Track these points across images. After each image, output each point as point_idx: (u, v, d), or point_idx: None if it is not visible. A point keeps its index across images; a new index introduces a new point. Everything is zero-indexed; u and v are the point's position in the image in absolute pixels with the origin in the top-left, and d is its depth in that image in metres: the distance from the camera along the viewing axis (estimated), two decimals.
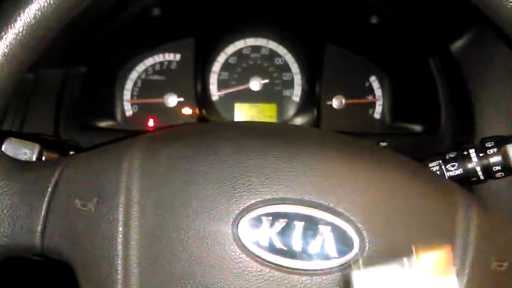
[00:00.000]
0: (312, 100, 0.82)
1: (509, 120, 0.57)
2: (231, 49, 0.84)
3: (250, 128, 0.39)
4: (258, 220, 0.33)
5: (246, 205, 0.33)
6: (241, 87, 0.84)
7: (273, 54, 0.84)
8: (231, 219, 0.33)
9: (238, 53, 0.84)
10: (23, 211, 0.34)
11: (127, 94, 0.83)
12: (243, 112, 0.84)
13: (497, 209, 0.54)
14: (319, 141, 0.37)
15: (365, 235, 0.32)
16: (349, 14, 0.77)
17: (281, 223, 0.33)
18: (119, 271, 0.32)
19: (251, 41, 0.84)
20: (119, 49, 0.79)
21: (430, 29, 0.70)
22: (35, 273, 0.63)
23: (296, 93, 0.84)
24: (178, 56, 0.84)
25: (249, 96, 0.84)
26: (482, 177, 0.48)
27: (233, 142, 0.36)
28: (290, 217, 0.33)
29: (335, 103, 0.83)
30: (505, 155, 0.46)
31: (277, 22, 0.83)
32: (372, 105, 0.84)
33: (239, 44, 0.84)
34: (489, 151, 0.47)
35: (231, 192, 0.33)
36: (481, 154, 0.48)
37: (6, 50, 0.33)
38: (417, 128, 0.76)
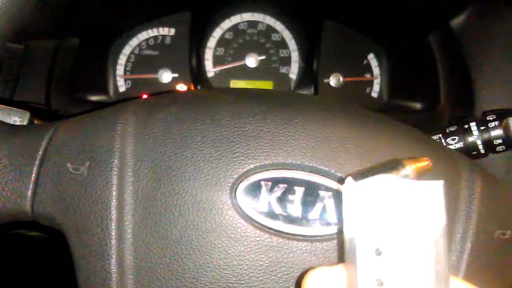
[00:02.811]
0: (309, 77, 0.81)
1: (510, 96, 0.56)
2: (227, 23, 0.82)
3: (248, 94, 0.38)
4: (257, 185, 0.32)
5: (245, 170, 0.32)
6: (237, 64, 0.82)
7: (270, 29, 0.82)
8: (229, 184, 0.31)
9: (234, 28, 0.82)
10: (13, 175, 0.33)
11: (120, 69, 0.81)
12: None
13: None
14: (320, 106, 0.36)
15: None
16: None
17: (280, 189, 0.32)
18: (113, 237, 0.31)
19: (247, 16, 0.82)
20: (112, 22, 0.77)
21: (430, 4, 0.69)
22: (27, 246, 0.62)
23: (293, 71, 0.82)
24: (172, 31, 0.82)
25: (245, 73, 0.82)
26: (482, 151, 0.47)
27: (232, 106, 0.34)
28: (290, 182, 0.32)
29: (333, 81, 0.82)
30: (506, 128, 0.45)
31: None
32: (370, 83, 0.83)
33: (235, 19, 0.82)
34: (490, 124, 0.46)
35: (229, 156, 0.32)
36: (482, 127, 0.47)
37: None
38: (416, 105, 0.75)
